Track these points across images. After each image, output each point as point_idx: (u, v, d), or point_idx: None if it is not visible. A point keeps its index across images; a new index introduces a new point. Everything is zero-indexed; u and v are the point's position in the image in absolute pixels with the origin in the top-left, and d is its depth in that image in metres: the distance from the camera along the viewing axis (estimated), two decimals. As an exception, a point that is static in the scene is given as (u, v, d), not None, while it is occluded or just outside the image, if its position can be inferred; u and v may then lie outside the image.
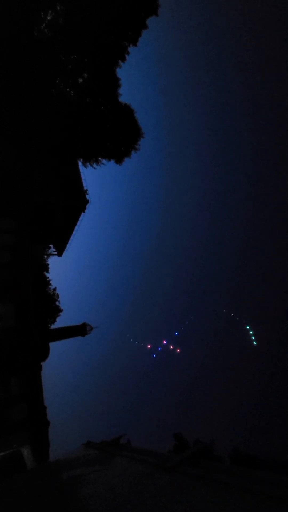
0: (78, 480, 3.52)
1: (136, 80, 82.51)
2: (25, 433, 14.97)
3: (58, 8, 15.28)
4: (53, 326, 25.72)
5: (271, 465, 16.33)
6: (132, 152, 20.25)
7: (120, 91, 18.91)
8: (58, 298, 27.31)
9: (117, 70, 18.29)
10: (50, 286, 27.25)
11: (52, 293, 27.16)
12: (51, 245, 28.10)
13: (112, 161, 20.82)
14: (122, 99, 19.26)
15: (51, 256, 28.91)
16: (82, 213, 23.26)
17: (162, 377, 76.74)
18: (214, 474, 2.67)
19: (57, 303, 27.07)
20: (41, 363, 17.61)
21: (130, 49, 17.79)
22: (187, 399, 69.42)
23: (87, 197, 22.61)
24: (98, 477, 3.42)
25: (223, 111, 78.61)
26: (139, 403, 74.33)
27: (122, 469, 3.37)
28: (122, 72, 18.86)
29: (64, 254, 28.18)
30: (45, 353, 18.31)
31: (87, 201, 22.76)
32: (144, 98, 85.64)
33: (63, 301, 28.12)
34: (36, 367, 16.55)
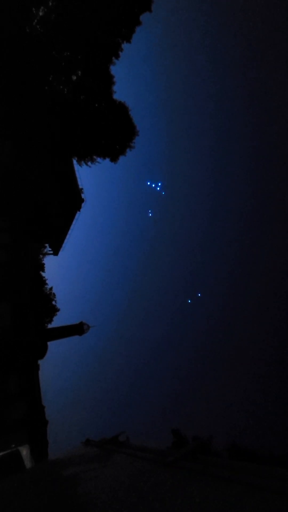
0: (77, 478, 3.53)
1: (133, 77, 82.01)
2: (24, 432, 14.96)
3: (50, 4, 15.06)
4: (50, 326, 25.64)
5: (268, 458, 16.59)
6: (127, 150, 20.17)
7: (118, 88, 18.81)
8: (55, 297, 27.22)
9: (113, 67, 18.17)
10: (46, 286, 27.12)
11: (48, 292, 27.04)
12: (47, 245, 27.92)
13: (107, 159, 20.72)
14: (119, 96, 19.17)
15: (47, 256, 28.74)
16: (78, 212, 23.14)
17: (159, 374, 77.25)
18: (213, 469, 2.71)
19: (53, 302, 26.97)
20: (39, 361, 17.56)
21: (125, 45, 17.67)
22: (184, 395, 70.04)
23: (83, 195, 22.49)
24: (98, 474, 3.44)
25: (222, 106, 78.39)
26: (138, 400, 74.77)
27: (121, 466, 3.39)
28: (120, 69, 18.75)
29: (60, 253, 28.03)
30: (42, 351, 18.26)
31: (82, 200, 22.64)
32: (141, 94, 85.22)
33: (60, 301, 28.04)
34: (33, 366, 16.50)
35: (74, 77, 17.04)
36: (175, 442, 18.00)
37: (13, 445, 13.65)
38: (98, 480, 3.06)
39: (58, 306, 27.26)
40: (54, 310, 26.80)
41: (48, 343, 20.18)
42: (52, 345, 21.46)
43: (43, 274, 27.60)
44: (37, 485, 3.56)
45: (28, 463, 12.42)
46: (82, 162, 20.45)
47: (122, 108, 19.16)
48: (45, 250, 28.23)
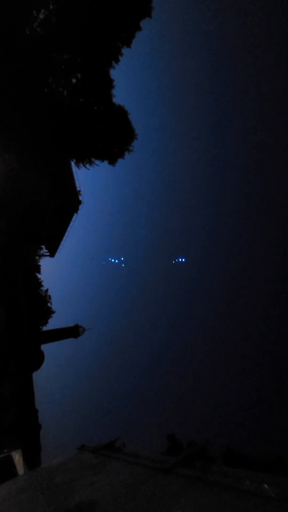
0: (72, 485, 3.46)
1: (134, 81, 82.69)
2: (16, 437, 14.69)
3: (51, 7, 15.16)
4: (45, 328, 25.38)
5: (264, 462, 16.43)
6: (126, 153, 20.24)
7: (120, 92, 18.94)
8: (50, 299, 26.99)
9: (117, 70, 18.31)
10: (42, 288, 26.89)
11: (44, 294, 26.80)
12: (43, 246, 27.76)
13: (106, 162, 20.74)
14: (120, 100, 19.28)
15: (43, 257, 28.56)
16: (75, 214, 23.13)
17: (156, 378, 76.79)
18: (211, 476, 2.68)
19: (49, 304, 26.73)
20: (35, 371, 17.36)
21: (125, 50, 17.81)
22: (179, 397, 69.62)
23: (80, 197, 22.50)
24: (94, 482, 3.38)
25: (221, 107, 79.01)
26: (133, 405, 74.11)
27: (119, 473, 3.34)
28: (121, 73, 18.88)
29: (57, 255, 27.92)
30: (38, 361, 18.04)
31: (79, 202, 22.63)
32: (142, 96, 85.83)
33: (55, 303, 27.81)
34: (28, 371, 16.30)
35: (74, 80, 17.11)
36: (170, 447, 17.74)
37: (5, 450, 13.37)
38: (94, 488, 3.00)
39: (54, 308, 27.03)
40: (49, 312, 26.54)
41: (44, 345, 19.97)
42: (49, 348, 21.25)
43: (39, 275, 27.38)
44: (30, 494, 3.48)
45: (20, 469, 12.18)
46: (80, 164, 20.44)
47: (121, 112, 19.25)
48: (41, 252, 28.06)
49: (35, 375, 17.52)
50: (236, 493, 2.37)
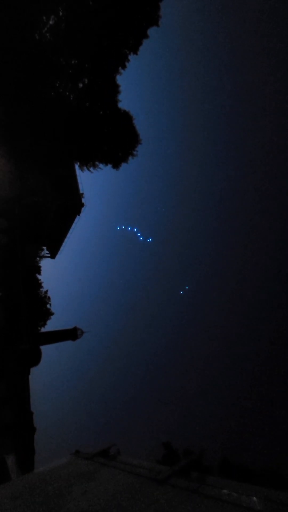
0: (65, 493, 3.42)
1: (138, 87, 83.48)
2: (10, 439, 14.52)
3: (61, 13, 15.44)
4: (43, 330, 25.27)
5: (260, 473, 16.19)
6: (130, 157, 20.41)
7: (126, 96, 19.20)
8: (50, 301, 26.92)
9: (123, 75, 18.57)
10: (41, 289, 26.84)
11: (43, 295, 26.74)
12: (44, 247, 27.80)
13: (109, 166, 20.90)
14: (126, 104, 19.55)
15: (44, 258, 28.58)
16: (77, 216, 23.20)
17: (153, 382, 76.17)
18: (207, 488, 2.64)
19: (48, 306, 26.65)
20: (32, 367, 17.22)
21: (133, 56, 18.08)
22: (177, 402, 68.86)
23: (83, 200, 22.61)
24: (87, 490, 3.33)
25: (226, 112, 79.03)
26: (130, 410, 73.40)
27: (113, 481, 3.29)
28: (129, 78, 19.12)
29: (58, 256, 27.95)
30: (36, 358, 17.91)
31: (82, 205, 22.73)
32: (145, 101, 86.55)
33: (55, 305, 27.74)
34: (24, 371, 16.18)
35: (81, 85, 17.34)
36: (166, 455, 17.56)
37: (-1, 453, 13.21)
38: (88, 497, 2.96)
39: (53, 310, 26.95)
40: (48, 313, 26.46)
41: (42, 347, 19.85)
42: (46, 350, 21.12)
43: (39, 276, 27.37)
44: (23, 501, 3.43)
45: (13, 472, 12.02)
46: (84, 167, 20.60)
47: (126, 117, 19.47)
48: (42, 253, 28.09)
49: (32, 378, 17.40)
50: (232, 508, 2.34)
